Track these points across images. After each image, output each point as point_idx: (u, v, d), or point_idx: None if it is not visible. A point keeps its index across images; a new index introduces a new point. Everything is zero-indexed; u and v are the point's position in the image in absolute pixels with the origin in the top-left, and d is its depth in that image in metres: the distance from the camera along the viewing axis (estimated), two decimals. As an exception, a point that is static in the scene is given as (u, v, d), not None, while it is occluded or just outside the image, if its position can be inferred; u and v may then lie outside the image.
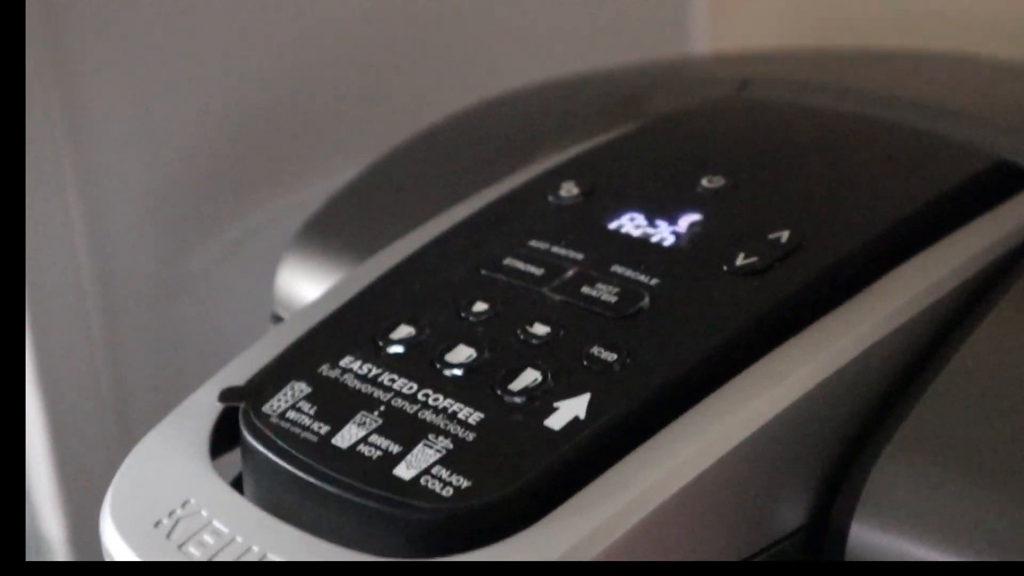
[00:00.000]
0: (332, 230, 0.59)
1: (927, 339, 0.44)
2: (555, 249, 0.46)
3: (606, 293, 0.44)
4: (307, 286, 0.57)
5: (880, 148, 0.51)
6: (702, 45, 0.90)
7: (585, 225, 0.48)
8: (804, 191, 0.48)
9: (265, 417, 0.42)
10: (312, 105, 0.84)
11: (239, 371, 0.45)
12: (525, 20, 0.87)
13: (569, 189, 0.50)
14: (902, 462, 0.40)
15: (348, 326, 0.45)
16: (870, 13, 0.84)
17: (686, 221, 0.47)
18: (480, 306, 0.44)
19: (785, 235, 0.45)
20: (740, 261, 0.44)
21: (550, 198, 0.50)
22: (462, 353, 0.42)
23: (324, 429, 0.41)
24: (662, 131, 0.55)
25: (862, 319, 0.43)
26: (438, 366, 0.42)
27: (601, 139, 0.56)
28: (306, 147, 0.86)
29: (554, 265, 0.46)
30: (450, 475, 0.38)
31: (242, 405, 0.43)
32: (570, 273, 0.45)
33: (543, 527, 0.37)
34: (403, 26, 0.84)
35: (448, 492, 0.38)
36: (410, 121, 0.76)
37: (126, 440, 0.82)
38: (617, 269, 0.45)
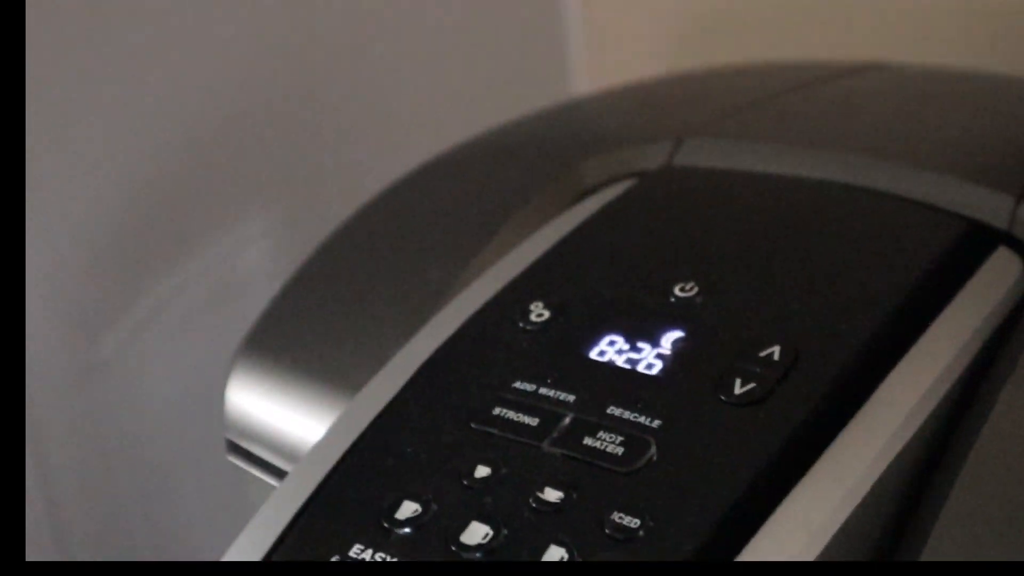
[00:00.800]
0: (279, 343, 0.57)
1: (943, 433, 0.44)
2: (543, 391, 0.45)
3: (610, 444, 0.43)
4: (259, 407, 0.55)
5: (845, 220, 0.51)
6: (581, 81, 0.89)
7: (565, 356, 0.46)
8: (781, 287, 0.48)
9: None
10: (208, 170, 0.81)
11: (244, 552, 0.44)
12: (414, 71, 0.84)
13: (539, 311, 0.49)
14: None
15: (347, 504, 0.44)
16: (745, 39, 0.83)
17: (668, 340, 0.46)
18: (482, 470, 0.43)
19: (776, 351, 0.44)
20: (738, 390, 0.43)
21: (520, 324, 0.49)
22: (477, 532, 0.41)
23: None
24: (614, 225, 0.54)
25: (879, 432, 0.42)
26: (454, 548, 0.41)
27: (547, 233, 0.54)
28: (204, 212, 0.83)
29: (547, 412, 0.44)
30: None
31: None
32: (567, 421, 0.44)
33: None
34: (291, 94, 0.81)
35: None
36: (307, 182, 0.74)
37: (57, 533, 0.80)
38: (614, 411, 0.44)
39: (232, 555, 0.44)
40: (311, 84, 0.82)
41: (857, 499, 0.41)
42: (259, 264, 0.81)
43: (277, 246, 0.81)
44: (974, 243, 0.49)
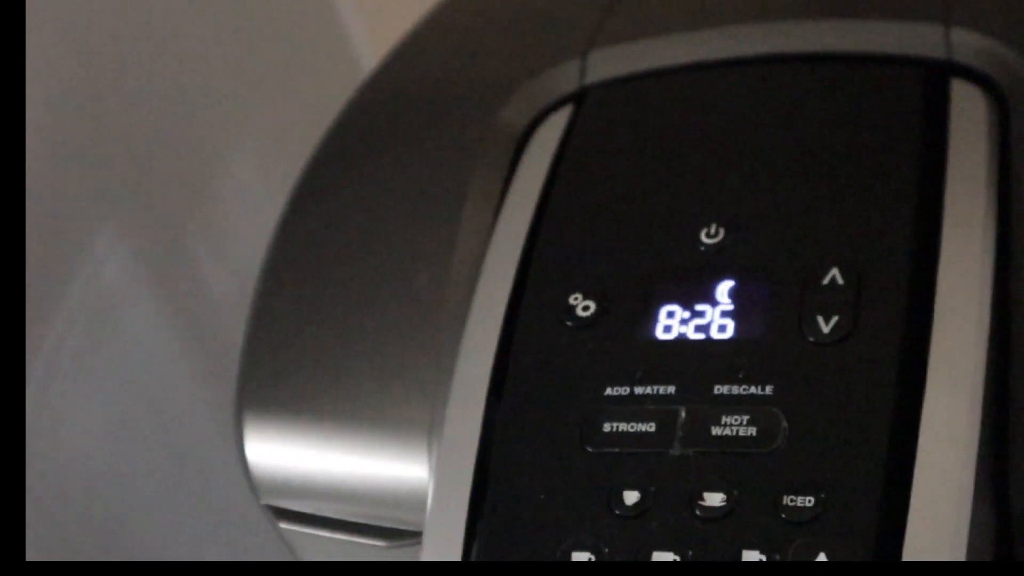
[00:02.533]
0: (286, 390, 0.54)
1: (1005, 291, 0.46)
2: (638, 390, 0.45)
3: (739, 427, 0.44)
4: (286, 461, 0.54)
5: (811, 99, 0.51)
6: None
7: (636, 345, 0.46)
8: (798, 199, 0.48)
9: None
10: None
11: None
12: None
13: (582, 304, 0.48)
14: None
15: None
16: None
17: (723, 293, 0.47)
18: (630, 496, 0.43)
19: (837, 274, 0.46)
20: (826, 328, 0.45)
21: (568, 322, 0.48)
22: (667, 561, 0.42)
23: None
24: (587, 178, 0.53)
25: (966, 323, 0.44)
26: None
27: (517, 209, 0.53)
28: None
29: (658, 413, 0.45)
30: None
31: None
32: (683, 417, 0.44)
33: None
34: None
35: None
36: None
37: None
38: (721, 390, 0.45)
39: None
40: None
41: (979, 395, 0.43)
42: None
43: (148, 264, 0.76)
44: (934, 85, 0.51)
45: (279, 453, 0.54)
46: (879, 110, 0.50)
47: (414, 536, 0.51)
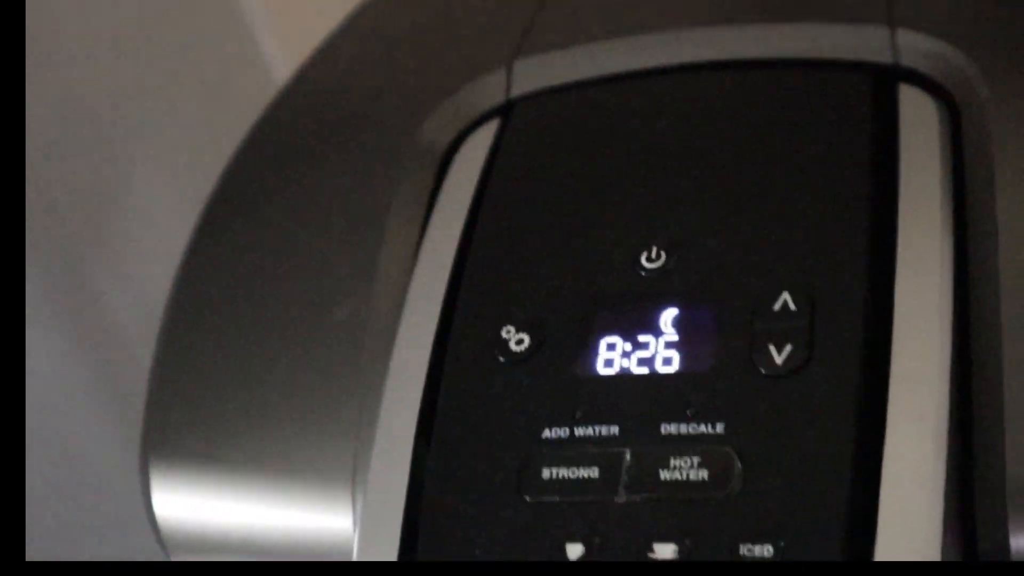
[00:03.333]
0: (194, 438, 0.50)
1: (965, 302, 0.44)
2: (579, 431, 0.42)
3: (689, 470, 0.40)
4: (197, 514, 0.50)
5: (749, 108, 0.48)
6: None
7: (575, 382, 0.43)
8: (743, 216, 0.45)
9: None
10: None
11: None
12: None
13: (515, 337, 0.45)
14: None
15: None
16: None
17: (667, 322, 0.44)
18: (574, 550, 0.40)
19: (788, 299, 0.43)
20: (779, 358, 0.41)
21: (500, 358, 0.44)
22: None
23: None
24: (515, 198, 0.49)
25: (926, 347, 0.42)
26: None
27: (443, 233, 0.49)
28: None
29: (601, 457, 0.41)
30: None
31: None
32: (628, 460, 0.41)
33: None
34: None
35: None
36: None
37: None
38: (668, 429, 0.41)
39: None
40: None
41: (944, 424, 0.40)
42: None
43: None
44: (881, 90, 0.48)
45: (189, 505, 0.50)
46: (826, 119, 0.47)
47: (340, 591, 0.47)
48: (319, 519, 0.47)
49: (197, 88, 0.79)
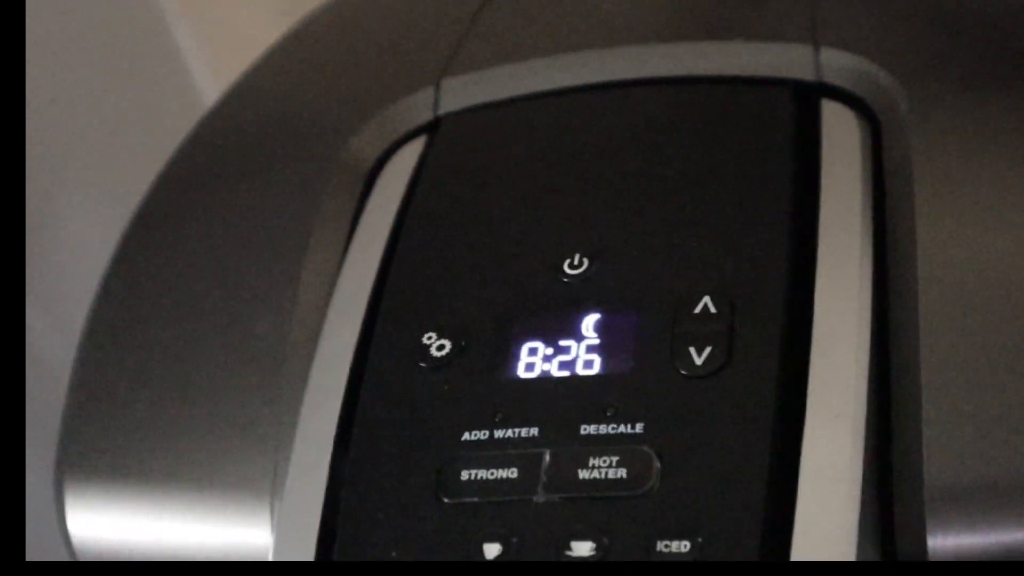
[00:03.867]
0: (109, 454, 0.49)
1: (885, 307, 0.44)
2: (498, 434, 0.42)
3: (607, 469, 0.40)
4: (113, 532, 0.49)
5: (674, 124, 0.49)
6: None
7: (495, 386, 0.43)
8: (665, 226, 0.45)
9: None
10: None
11: None
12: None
13: (436, 343, 0.44)
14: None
15: None
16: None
17: (588, 327, 0.44)
18: (491, 549, 0.40)
19: (708, 302, 0.43)
20: (699, 359, 0.41)
21: (421, 363, 0.44)
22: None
23: None
24: (441, 211, 0.49)
25: (844, 348, 0.42)
26: None
27: (367, 244, 0.49)
28: None
29: (519, 458, 0.41)
30: None
31: None
32: (547, 461, 0.41)
33: None
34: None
35: None
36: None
37: None
38: (588, 429, 0.41)
39: None
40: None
41: (862, 425, 0.41)
42: None
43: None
44: (804, 107, 0.49)
45: (105, 524, 0.49)
46: (748, 133, 0.48)
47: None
48: (237, 532, 0.46)
49: (124, 113, 0.79)
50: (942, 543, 0.41)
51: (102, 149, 0.77)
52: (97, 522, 0.49)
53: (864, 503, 0.40)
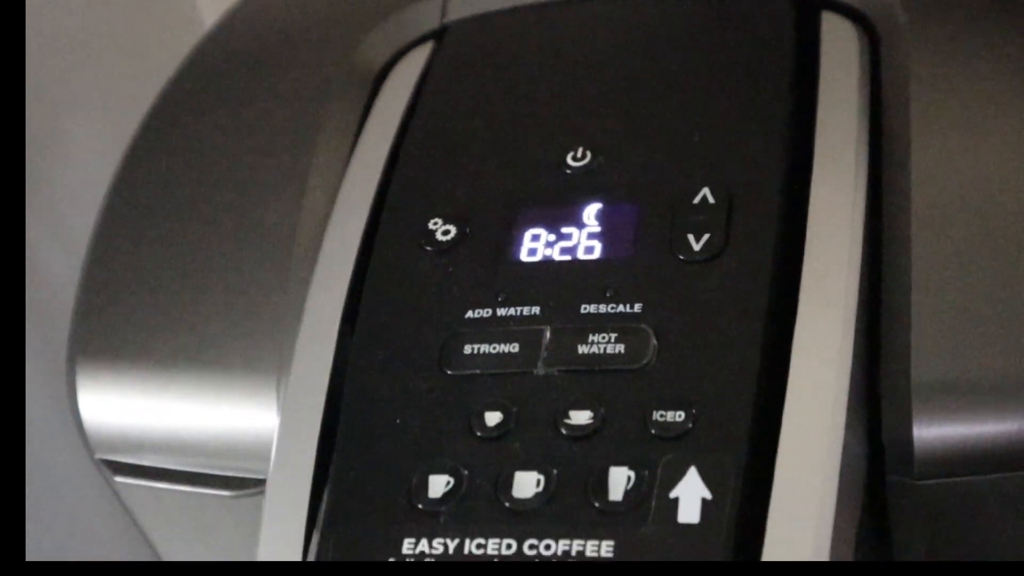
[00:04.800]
0: (121, 336, 0.50)
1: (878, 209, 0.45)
2: (501, 312, 0.43)
3: (606, 344, 0.41)
4: (124, 412, 0.50)
5: (674, 27, 0.50)
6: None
7: (498, 268, 0.44)
8: (668, 123, 0.47)
9: None
10: None
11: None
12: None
13: (442, 228, 0.46)
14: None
15: (365, 495, 0.40)
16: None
17: (590, 215, 0.45)
18: (492, 417, 0.41)
19: (708, 194, 0.44)
20: (697, 245, 0.43)
21: (427, 247, 0.45)
22: (527, 483, 0.39)
23: None
24: (450, 108, 0.50)
25: (837, 241, 0.43)
26: (509, 505, 0.39)
27: (376, 137, 0.50)
28: None
29: (521, 334, 0.42)
30: None
31: None
32: (548, 337, 0.42)
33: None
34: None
35: None
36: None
37: None
38: (588, 309, 0.42)
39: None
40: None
41: (852, 312, 0.42)
42: None
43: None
44: (804, 18, 0.50)
45: (115, 404, 0.50)
46: (749, 40, 0.49)
47: (260, 484, 0.48)
48: (244, 413, 0.48)
49: (125, 33, 0.79)
50: (927, 433, 0.42)
51: (105, 66, 0.77)
52: (107, 404, 0.50)
53: (853, 388, 0.41)
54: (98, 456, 0.51)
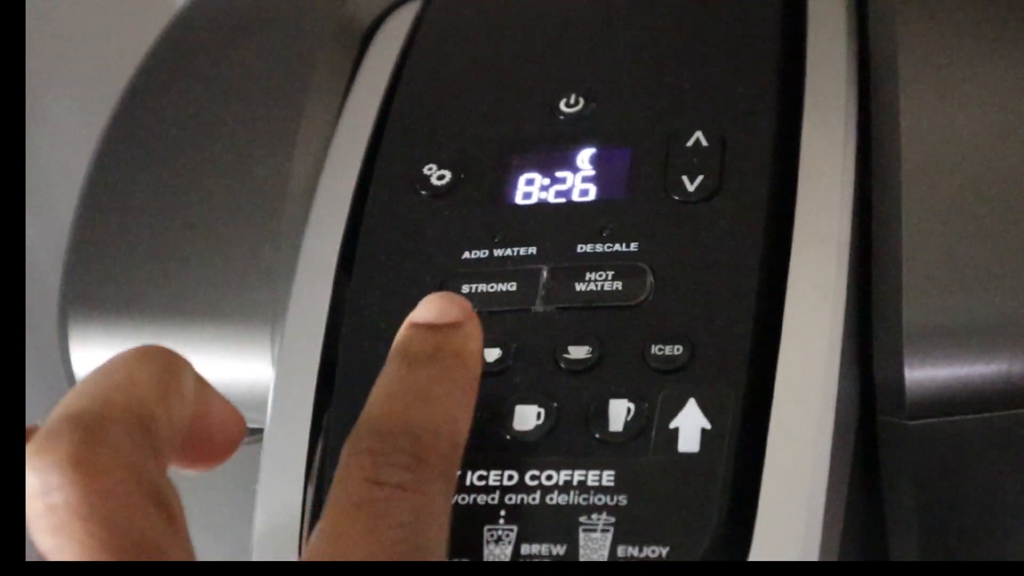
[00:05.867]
0: (113, 288, 0.50)
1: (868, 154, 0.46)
2: (498, 252, 0.43)
3: (603, 282, 0.42)
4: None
5: None
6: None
7: (494, 211, 0.45)
8: (659, 69, 0.47)
9: None
10: None
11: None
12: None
13: (437, 173, 0.46)
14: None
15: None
16: None
17: (584, 160, 0.45)
18: (491, 353, 0.41)
19: (700, 137, 0.45)
20: (691, 187, 0.43)
21: (423, 191, 0.46)
22: (528, 416, 0.40)
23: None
24: (442, 56, 0.51)
25: (829, 182, 0.44)
26: (510, 438, 0.40)
27: (368, 86, 0.51)
28: None
29: (518, 273, 0.43)
30: (640, 551, 0.37)
31: None
32: (545, 275, 0.43)
33: (762, 548, 0.37)
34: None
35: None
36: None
37: None
38: (584, 248, 0.43)
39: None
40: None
41: (845, 249, 0.43)
42: None
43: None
44: None
45: (107, 357, 0.50)
46: None
47: (256, 433, 0.48)
48: (238, 364, 0.48)
49: (104, 6, 0.79)
50: (918, 374, 0.43)
51: (82, 45, 0.77)
52: (99, 357, 0.50)
53: (847, 327, 0.42)
54: None
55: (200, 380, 0.34)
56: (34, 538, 0.29)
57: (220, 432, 0.34)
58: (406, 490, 0.32)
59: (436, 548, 0.32)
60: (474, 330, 0.36)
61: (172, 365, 0.33)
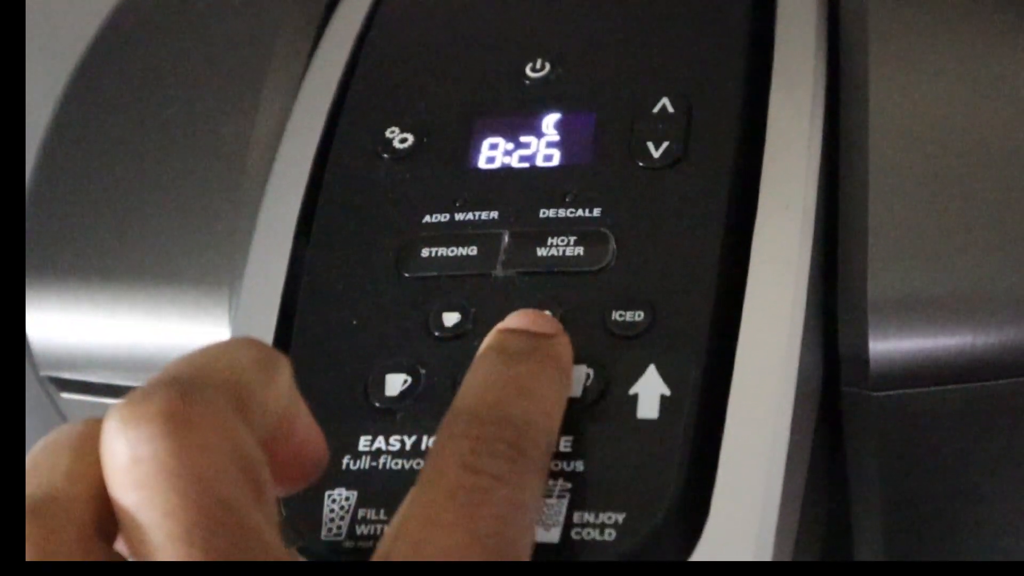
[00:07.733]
0: (69, 251, 0.49)
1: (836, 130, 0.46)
2: (459, 216, 0.43)
3: (565, 247, 0.41)
4: (72, 328, 0.49)
5: None
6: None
7: (456, 175, 0.44)
8: (625, 38, 0.46)
9: (338, 545, 0.37)
10: None
11: None
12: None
13: (399, 136, 0.45)
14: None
15: (321, 395, 0.40)
16: None
17: (549, 124, 0.45)
18: (450, 317, 0.41)
19: (667, 103, 0.44)
20: (656, 152, 0.43)
21: (384, 154, 0.45)
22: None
23: None
24: (406, 20, 0.50)
25: (795, 151, 0.43)
26: None
27: (333, 48, 0.50)
28: None
29: (479, 237, 0.42)
30: (597, 517, 0.36)
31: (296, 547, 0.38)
32: (506, 240, 0.42)
33: (720, 515, 0.37)
34: None
35: (611, 535, 0.36)
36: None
37: None
38: (547, 213, 0.42)
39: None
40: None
41: (811, 218, 0.42)
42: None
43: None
44: None
45: (63, 321, 0.49)
46: None
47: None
48: (195, 328, 0.47)
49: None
50: (883, 345, 0.42)
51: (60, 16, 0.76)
52: (54, 321, 0.49)
53: (810, 295, 0.41)
54: (43, 373, 0.50)
55: (295, 386, 0.33)
56: (115, 494, 0.29)
57: (304, 448, 0.33)
58: (503, 481, 0.31)
59: (524, 545, 0.31)
60: (567, 343, 0.37)
61: (274, 358, 0.32)
